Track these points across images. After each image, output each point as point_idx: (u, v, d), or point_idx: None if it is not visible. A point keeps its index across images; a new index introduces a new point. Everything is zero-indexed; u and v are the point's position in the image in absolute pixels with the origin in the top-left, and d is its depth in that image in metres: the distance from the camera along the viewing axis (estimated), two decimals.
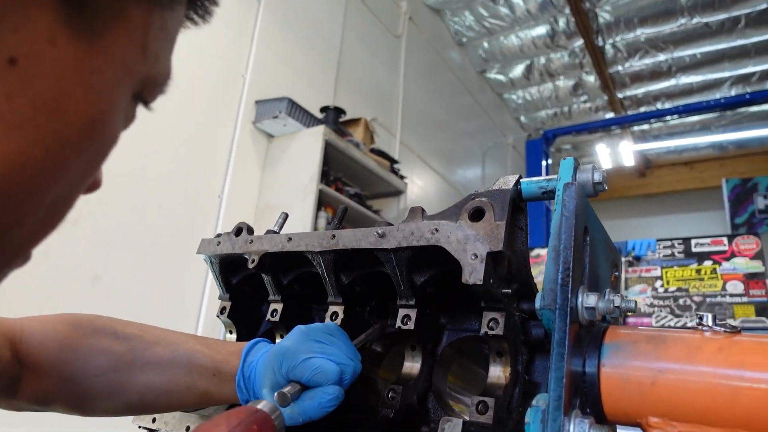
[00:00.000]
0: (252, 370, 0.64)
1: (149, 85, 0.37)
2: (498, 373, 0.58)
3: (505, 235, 0.55)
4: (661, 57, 6.76)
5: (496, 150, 7.92)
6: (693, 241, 2.25)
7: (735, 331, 0.45)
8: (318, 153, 3.59)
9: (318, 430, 0.64)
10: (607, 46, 6.74)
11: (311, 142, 3.67)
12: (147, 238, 2.96)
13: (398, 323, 0.65)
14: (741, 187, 8.25)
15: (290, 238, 0.72)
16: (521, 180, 0.60)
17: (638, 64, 6.95)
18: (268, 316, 0.77)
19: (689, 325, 1.74)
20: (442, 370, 0.67)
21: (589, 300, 0.47)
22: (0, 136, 0.27)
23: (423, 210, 0.63)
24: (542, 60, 7.10)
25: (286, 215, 0.82)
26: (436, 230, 0.59)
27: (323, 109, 4.03)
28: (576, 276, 0.47)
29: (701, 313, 0.47)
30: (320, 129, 3.66)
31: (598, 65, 6.93)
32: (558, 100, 7.88)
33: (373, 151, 4.31)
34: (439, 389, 0.66)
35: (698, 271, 2.17)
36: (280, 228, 0.79)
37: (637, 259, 2.31)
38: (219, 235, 0.82)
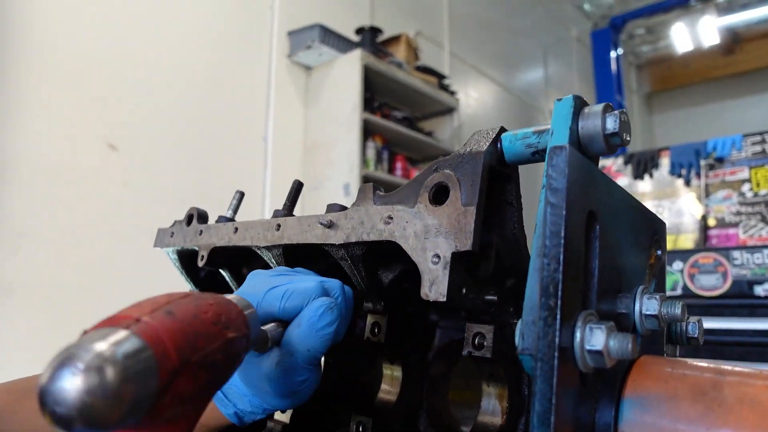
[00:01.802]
0: None
1: None
2: (492, 405, 0.43)
3: (477, 223, 0.37)
4: None
5: (559, 46, 7.24)
6: None
7: None
8: (357, 80, 3.37)
9: None
10: None
11: (349, 69, 3.45)
12: (194, 193, 2.94)
13: (367, 333, 0.50)
14: None
15: (236, 229, 0.58)
16: (502, 135, 0.40)
17: None
18: None
19: None
20: (436, 384, 0.51)
21: (594, 339, 0.29)
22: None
23: (375, 188, 0.46)
24: None
25: (242, 194, 0.67)
26: (390, 218, 0.42)
27: (358, 31, 3.75)
28: (572, 300, 0.30)
29: None
30: (357, 54, 3.42)
31: None
32: None
33: (418, 68, 4.01)
34: (436, 409, 0.51)
35: None
36: (234, 212, 0.64)
37: (720, 160, 1.99)
38: (174, 224, 0.69)
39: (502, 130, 0.41)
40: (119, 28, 2.70)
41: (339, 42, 3.56)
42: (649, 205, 2.29)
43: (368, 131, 3.51)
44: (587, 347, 0.30)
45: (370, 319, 0.50)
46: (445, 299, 0.37)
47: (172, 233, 0.68)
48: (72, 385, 0.24)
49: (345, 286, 0.47)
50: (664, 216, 2.05)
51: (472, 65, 5.51)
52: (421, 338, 0.52)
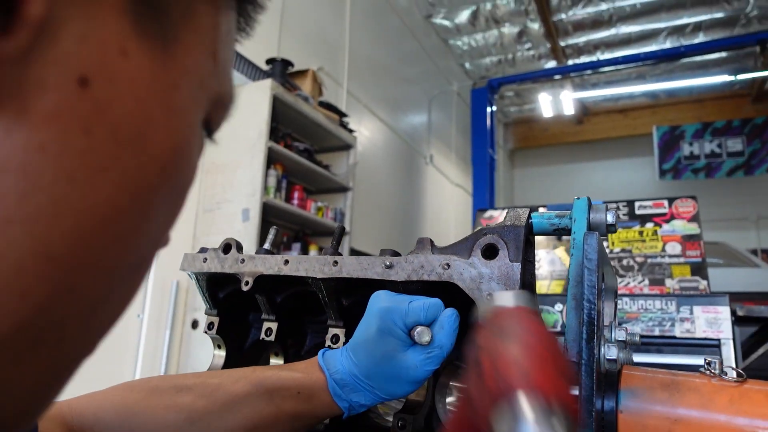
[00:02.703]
0: (344, 369, 0.61)
1: (218, 107, 0.30)
2: None
3: (521, 274, 0.55)
4: (603, 6, 6.85)
5: (442, 97, 7.90)
6: (636, 204, 2.37)
7: (742, 379, 0.48)
8: (266, 109, 3.45)
9: None
10: None
11: (258, 97, 3.52)
12: None
13: None
14: (669, 134, 8.67)
15: (287, 261, 0.70)
16: (532, 215, 0.60)
17: (581, 12, 7.02)
18: (263, 335, 0.76)
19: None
20: (444, 385, 0.68)
21: (610, 352, 0.49)
22: (80, 186, 0.21)
23: (432, 241, 0.63)
24: (488, 6, 7.03)
25: (278, 230, 0.79)
26: (448, 265, 0.59)
27: (269, 61, 3.86)
28: (598, 327, 0.49)
29: (709, 359, 0.50)
30: (267, 83, 3.51)
31: (542, 12, 6.94)
32: (503, 47, 7.89)
33: (321, 104, 4.20)
34: (441, 403, 0.68)
35: (641, 233, 2.30)
36: (271, 245, 0.76)
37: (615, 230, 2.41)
38: (203, 250, 0.78)
39: (531, 210, 0.60)
40: None
41: (249, 68, 3.64)
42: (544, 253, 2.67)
43: (271, 159, 3.59)
44: (607, 357, 0.49)
45: None
46: None
47: (205, 259, 0.77)
48: None
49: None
50: (542, 264, 2.42)
51: (366, 105, 5.83)
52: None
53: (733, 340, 1.54)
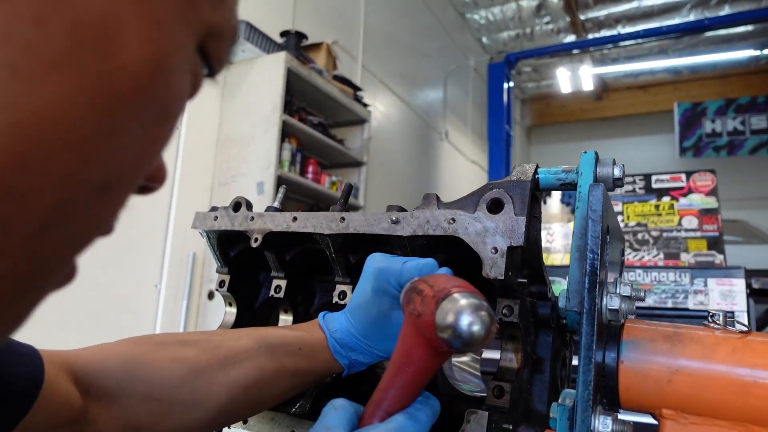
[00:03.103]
0: (343, 329, 0.63)
1: (214, 36, 0.28)
2: (510, 356, 0.61)
3: (526, 227, 0.55)
4: None
5: (458, 73, 7.79)
6: (653, 177, 2.34)
7: (746, 331, 0.48)
8: (281, 82, 3.45)
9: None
10: None
11: (273, 70, 3.51)
12: None
13: None
14: (691, 111, 8.49)
15: (295, 218, 0.71)
16: (539, 170, 0.59)
17: None
18: (272, 293, 0.77)
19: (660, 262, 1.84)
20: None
21: (613, 302, 0.49)
22: (28, 78, 0.19)
23: (438, 197, 0.63)
24: None
25: (286, 189, 0.79)
26: (453, 220, 0.59)
27: (283, 34, 3.83)
28: (600, 277, 0.49)
29: (714, 311, 0.50)
30: (281, 56, 3.50)
31: None
32: (521, 21, 7.73)
33: (336, 78, 4.17)
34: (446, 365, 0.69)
35: (657, 207, 2.28)
36: (280, 203, 0.77)
37: (623, 184, 2.39)
38: (215, 209, 0.80)
39: (537, 166, 0.59)
40: None
41: (263, 41, 3.62)
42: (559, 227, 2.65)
43: (285, 133, 3.59)
44: (609, 307, 0.49)
45: None
46: (503, 278, 0.55)
47: (216, 217, 0.78)
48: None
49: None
50: (556, 238, 2.41)
51: (381, 80, 5.78)
52: None
53: (747, 312, 1.53)
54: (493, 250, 0.56)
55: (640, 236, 2.24)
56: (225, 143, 3.60)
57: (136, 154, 0.25)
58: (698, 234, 2.15)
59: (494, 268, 0.55)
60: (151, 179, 0.31)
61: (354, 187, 4.31)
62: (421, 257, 0.64)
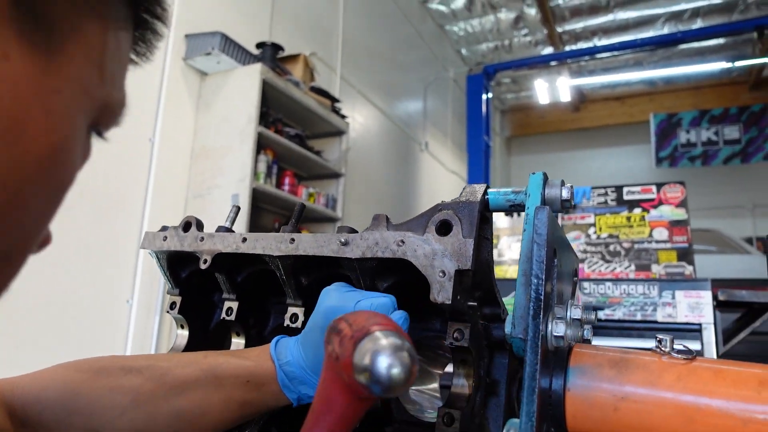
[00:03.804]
0: (294, 361, 0.61)
1: (105, 113, 0.34)
2: (462, 381, 0.59)
3: (474, 251, 0.54)
4: None
5: (438, 84, 7.84)
6: (625, 189, 2.36)
7: (691, 357, 0.47)
8: (256, 93, 3.42)
9: None
10: None
11: (248, 82, 3.49)
12: (73, 189, 2.77)
13: None
14: (666, 121, 8.63)
15: (245, 239, 0.69)
16: (488, 190, 0.58)
17: None
18: (223, 315, 0.74)
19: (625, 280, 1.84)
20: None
21: (558, 329, 0.48)
22: None
23: (387, 218, 0.61)
24: None
25: (238, 209, 0.77)
26: (402, 242, 0.58)
27: (259, 45, 3.81)
28: (546, 303, 0.48)
29: (660, 336, 0.49)
30: (257, 67, 3.48)
31: None
32: (499, 33, 7.82)
33: (313, 89, 4.16)
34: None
35: (628, 219, 2.29)
36: (232, 223, 0.75)
37: (573, 206, 2.40)
38: (164, 228, 0.77)
39: (488, 187, 0.58)
40: None
41: (239, 53, 3.60)
42: (508, 240, 2.66)
43: (261, 144, 3.57)
44: (554, 334, 0.48)
45: None
46: (450, 302, 0.53)
47: (165, 237, 0.76)
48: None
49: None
50: (506, 252, 2.42)
51: (360, 91, 5.79)
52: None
53: (714, 324, 1.54)
54: (441, 274, 0.54)
55: (612, 248, 2.26)
56: (200, 155, 3.56)
57: (35, 224, 0.30)
58: (668, 245, 2.17)
59: (442, 292, 0.54)
60: (42, 242, 0.34)
61: (331, 198, 4.31)
62: (373, 281, 0.62)
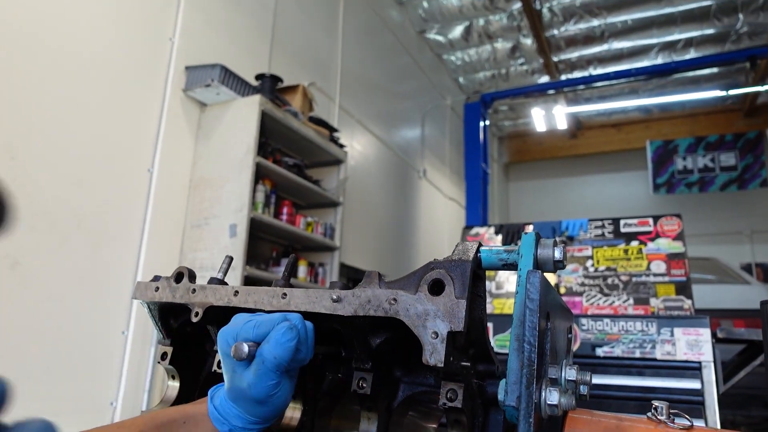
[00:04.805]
0: (222, 394, 0.63)
1: None
2: None
3: (466, 311, 0.53)
4: (595, 22, 6.90)
5: (435, 112, 7.92)
6: (621, 221, 2.36)
7: (689, 426, 0.46)
8: (254, 124, 3.45)
9: None
10: (544, 10, 6.80)
11: (247, 113, 3.52)
12: (70, 220, 2.78)
13: (354, 386, 0.63)
14: (663, 148, 8.70)
15: (237, 292, 0.68)
16: (481, 249, 0.58)
17: (573, 28, 7.07)
18: (215, 368, 0.73)
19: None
20: (396, 427, 0.66)
21: (552, 397, 0.47)
22: None
23: (380, 275, 0.61)
24: (481, 21, 7.08)
25: (231, 259, 0.77)
26: (395, 300, 0.57)
27: (259, 77, 3.86)
28: (539, 370, 0.47)
29: (656, 403, 0.48)
30: (256, 99, 3.51)
31: (535, 28, 6.99)
32: (496, 62, 7.93)
33: (311, 119, 4.19)
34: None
35: (626, 251, 2.29)
36: (224, 274, 0.74)
37: (570, 239, 2.40)
38: (157, 278, 0.76)
39: (480, 245, 0.58)
40: (10, 50, 2.54)
41: (238, 84, 3.63)
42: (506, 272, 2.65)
43: (259, 174, 3.58)
44: (548, 402, 0.47)
45: (357, 375, 0.64)
46: (443, 365, 0.52)
47: (157, 288, 0.75)
48: None
49: (306, 321, 0.61)
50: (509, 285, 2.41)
51: (358, 120, 5.83)
52: (389, 388, 0.66)
53: (714, 362, 1.52)
54: (433, 335, 0.54)
55: (610, 281, 2.25)
56: (198, 185, 3.57)
57: None
58: (666, 279, 2.16)
59: (434, 354, 0.53)
60: None
61: (329, 227, 4.30)
62: (365, 337, 0.62)
